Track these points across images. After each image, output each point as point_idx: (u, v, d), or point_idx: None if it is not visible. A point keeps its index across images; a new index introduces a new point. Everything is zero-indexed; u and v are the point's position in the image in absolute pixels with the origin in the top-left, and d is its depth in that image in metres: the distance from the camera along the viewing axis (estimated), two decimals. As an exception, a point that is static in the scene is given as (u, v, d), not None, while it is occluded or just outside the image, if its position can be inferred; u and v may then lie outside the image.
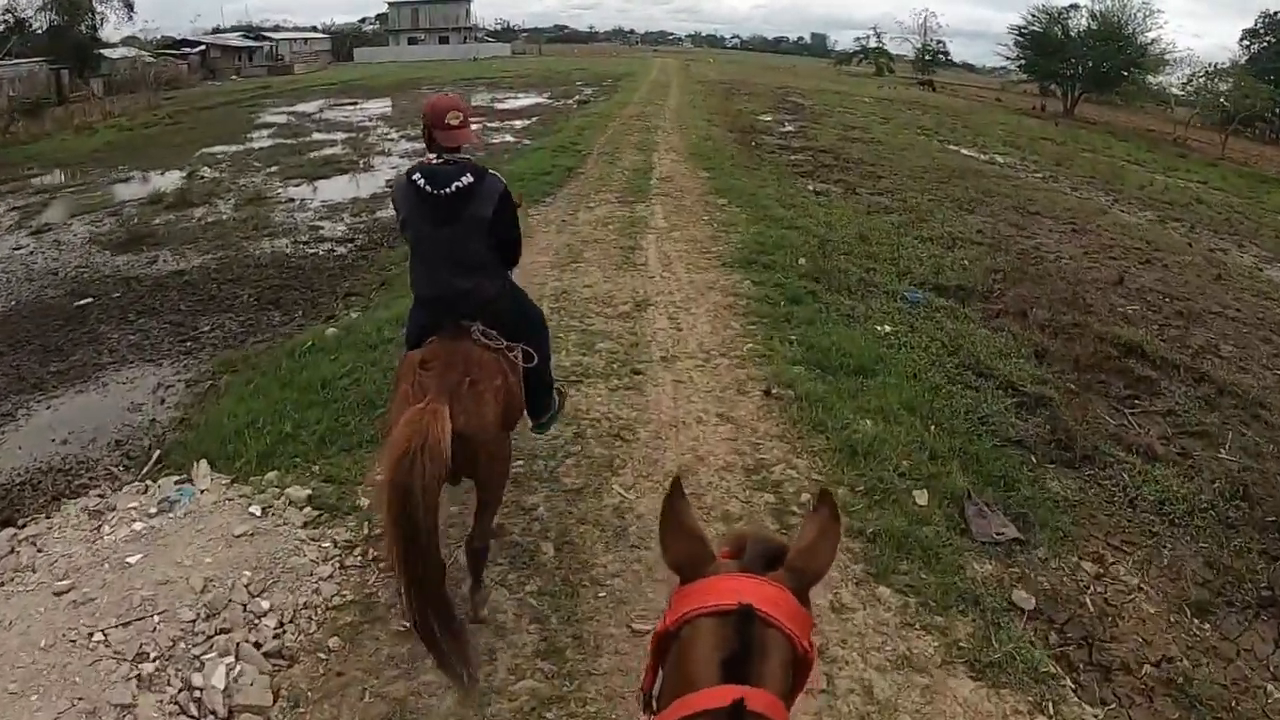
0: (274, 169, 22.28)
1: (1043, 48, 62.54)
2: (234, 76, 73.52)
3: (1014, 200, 19.66)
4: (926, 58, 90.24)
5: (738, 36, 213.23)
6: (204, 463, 6.62)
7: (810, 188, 18.98)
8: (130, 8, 69.31)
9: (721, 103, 40.06)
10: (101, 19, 66.64)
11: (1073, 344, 10.08)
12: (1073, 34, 61.95)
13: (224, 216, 16.83)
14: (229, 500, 6.10)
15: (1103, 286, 13.02)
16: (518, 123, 31.38)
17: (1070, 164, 29.43)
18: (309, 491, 6.11)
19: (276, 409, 7.39)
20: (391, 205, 5.17)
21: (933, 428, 7.33)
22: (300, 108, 40.44)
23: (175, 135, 31.53)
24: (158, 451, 7.27)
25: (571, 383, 7.64)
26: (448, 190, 4.57)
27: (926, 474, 6.54)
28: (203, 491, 6.23)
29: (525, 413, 5.25)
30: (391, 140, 27.34)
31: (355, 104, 41.38)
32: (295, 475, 6.38)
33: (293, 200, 18.18)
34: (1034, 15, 63.64)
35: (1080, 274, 13.60)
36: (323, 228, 15.69)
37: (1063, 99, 61.92)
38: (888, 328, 9.82)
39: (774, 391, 7.69)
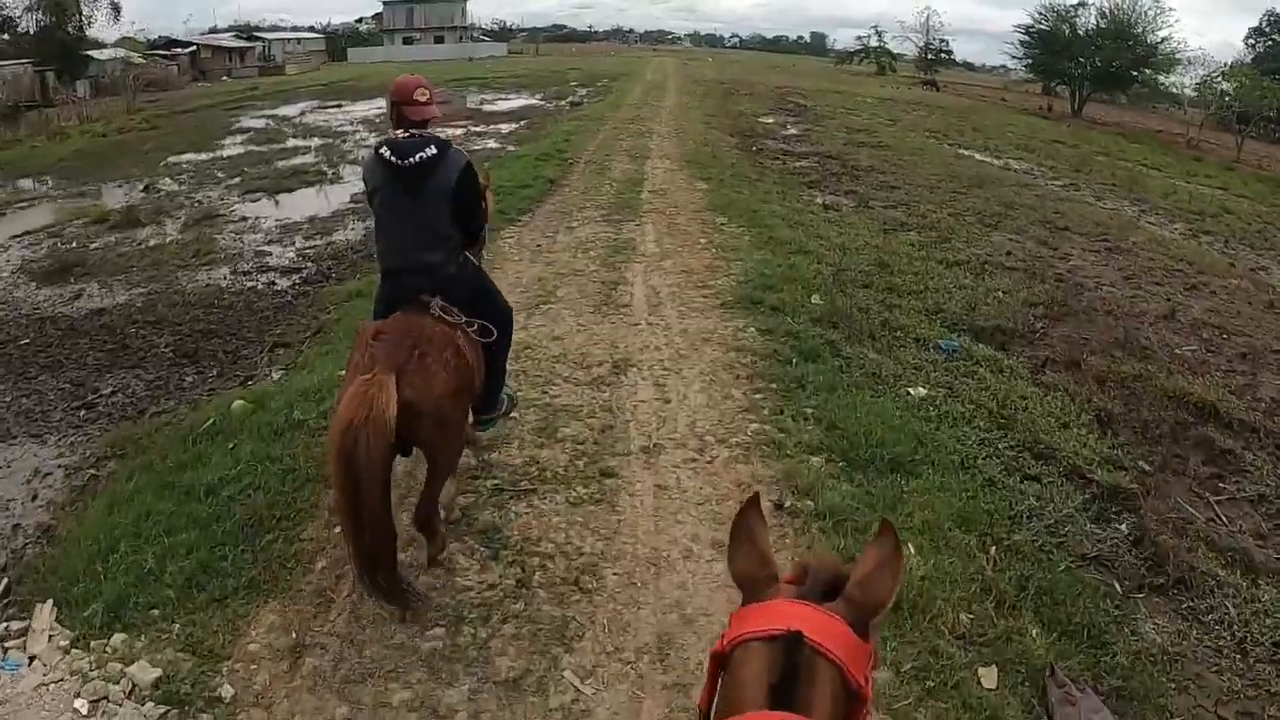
0: (236, 180, 20.62)
1: (1050, 46, 60.55)
2: (224, 78, 71.85)
3: (1039, 213, 17.87)
4: (929, 57, 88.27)
5: (737, 35, 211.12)
6: (49, 606, 4.92)
7: (819, 200, 17.26)
8: (117, 9, 67.92)
9: (720, 104, 38.28)
10: (89, 20, 65.14)
11: (1138, 405, 8.31)
12: (1081, 32, 59.90)
13: (167, 240, 15.23)
14: (57, 681, 4.37)
15: (1154, 321, 11.28)
16: (504, 126, 29.64)
17: (1089, 170, 27.53)
18: (158, 673, 4.33)
19: (145, 527, 5.60)
20: (361, 180, 5.39)
21: (993, 550, 5.55)
22: (283, 111, 38.85)
23: (148, 142, 30.12)
24: (6, 579, 5.63)
25: (522, 492, 5.91)
26: (412, 161, 4.69)
27: (992, 635, 4.76)
28: (31, 660, 4.51)
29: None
30: (368, 147, 25.47)
31: (340, 106, 39.78)
32: (147, 641, 4.59)
33: (245, 219, 16.48)
34: (1041, 13, 61.67)
35: (1127, 306, 11.83)
36: (270, 254, 14.02)
37: (1071, 99, 59.94)
38: (923, 390, 8.07)
39: (787, 504, 5.88)
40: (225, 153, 26.05)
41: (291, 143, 27.34)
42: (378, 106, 37.49)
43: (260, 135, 29.53)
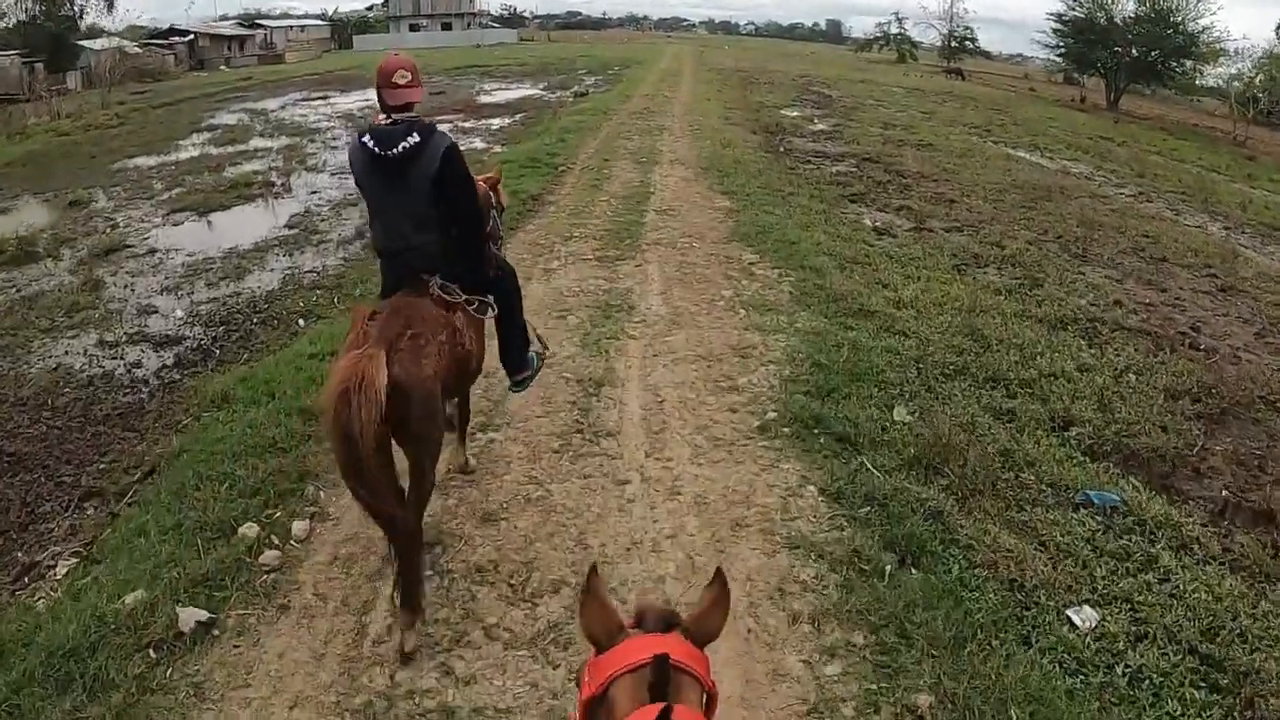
0: (173, 193, 16.96)
1: (1084, 35, 56.26)
2: (222, 67, 68.16)
3: (1126, 237, 14.12)
4: (953, 45, 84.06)
5: (752, 23, 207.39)
6: None
7: (867, 221, 13.55)
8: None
9: (739, 94, 34.47)
10: (81, 10, 62.33)
11: None
12: (1117, 20, 55.56)
13: (50, 284, 11.63)
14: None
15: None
16: (495, 121, 25.88)
17: (1151, 174, 23.50)
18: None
19: None
20: (348, 164, 5.05)
21: None
22: (265, 104, 35.22)
23: (110, 141, 26.44)
24: None
25: None
26: (395, 151, 4.55)
27: None
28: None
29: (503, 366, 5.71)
30: (337, 148, 21.96)
31: (326, 98, 36.13)
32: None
33: (153, 253, 12.78)
34: (1076, 0, 57.44)
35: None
36: (156, 310, 10.35)
37: (1106, 91, 55.67)
38: (1092, 615, 4.61)
39: None
40: (180, 155, 22.45)
41: (255, 143, 23.71)
42: (365, 99, 34.10)
43: (226, 134, 25.90)
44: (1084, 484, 5.88)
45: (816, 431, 6.24)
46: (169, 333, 9.57)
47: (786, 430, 6.27)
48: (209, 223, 14.80)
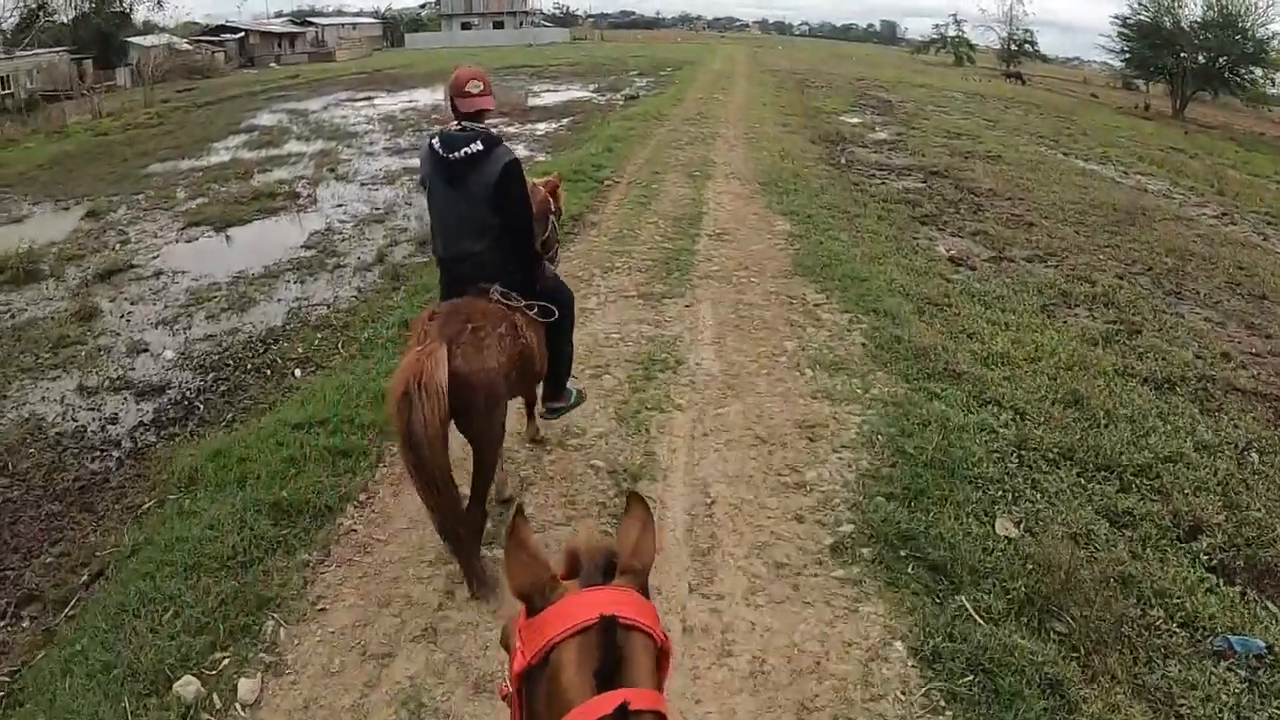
0: (195, 203, 16.03)
1: (1150, 40, 53.91)
2: (272, 64, 67.84)
3: (1220, 268, 12.56)
4: (1013, 48, 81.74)
5: (806, 23, 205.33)
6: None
7: (941, 249, 12.19)
8: None
9: (796, 98, 33.00)
10: (130, 6, 62.28)
11: None
12: (1183, 24, 53.10)
13: (45, 310, 10.74)
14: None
15: None
16: (541, 126, 24.69)
17: (1232, 192, 21.65)
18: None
19: None
20: (420, 165, 5.17)
21: None
22: (307, 104, 34.57)
23: (146, 142, 25.89)
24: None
25: None
26: (457, 155, 4.64)
27: None
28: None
29: (540, 392, 5.57)
30: (373, 154, 20.93)
31: (370, 100, 35.22)
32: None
33: (159, 275, 11.77)
34: (1141, 3, 55.01)
35: None
36: (146, 348, 9.30)
37: (1171, 98, 53.24)
38: None
39: None
40: (211, 159, 21.58)
41: (289, 147, 22.72)
42: (409, 100, 33.30)
43: (262, 136, 25.03)
44: (1220, 620, 4.57)
45: (904, 555, 4.90)
46: (154, 379, 8.48)
47: (866, 552, 4.93)
48: (226, 238, 13.87)
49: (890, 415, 6.58)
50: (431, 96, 34.59)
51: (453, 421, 4.29)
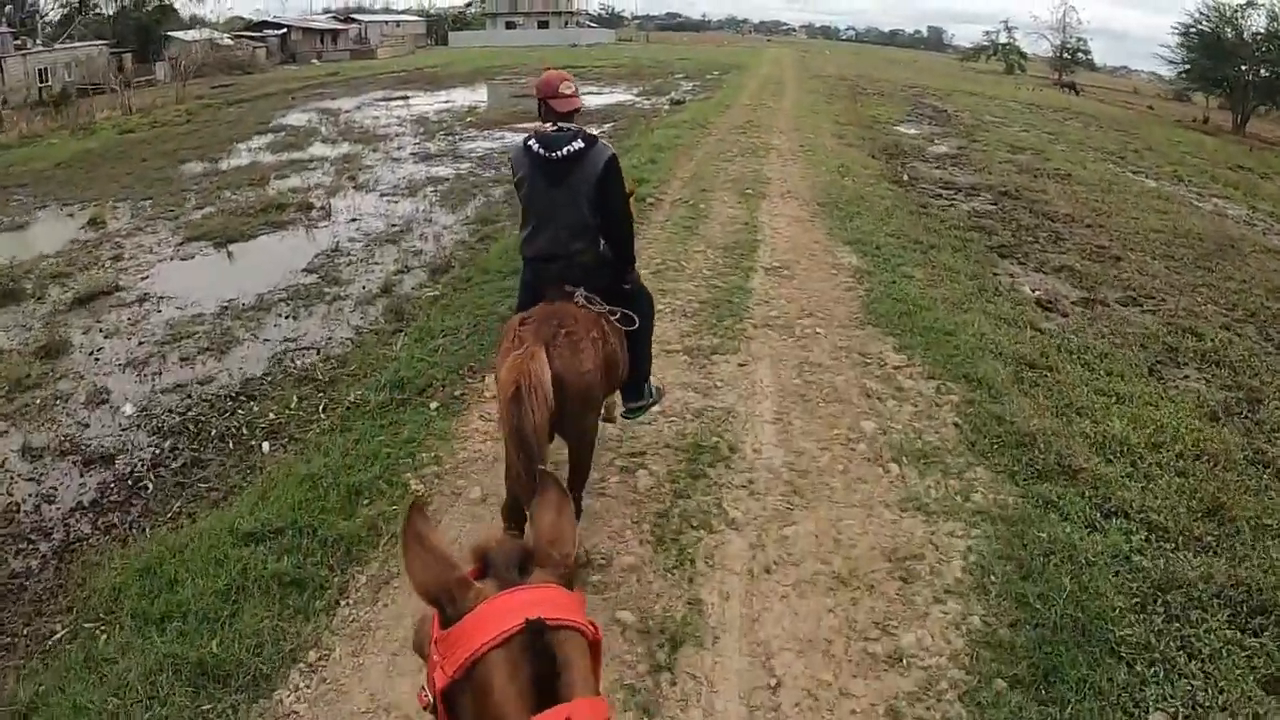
0: (202, 213, 14.75)
1: (1211, 51, 51.38)
2: (314, 60, 67.07)
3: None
4: (1066, 57, 79.44)
5: (852, 28, 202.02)
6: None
7: (1027, 289, 10.62)
8: None
9: (848, 106, 31.35)
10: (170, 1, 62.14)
11: None
12: (1245, 36, 50.72)
13: (13, 340, 9.47)
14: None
15: None
16: (581, 134, 23.35)
17: None
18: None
19: None
20: (510, 167, 5.23)
21: None
22: (339, 103, 33.37)
23: (171, 141, 24.77)
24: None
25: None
26: (559, 154, 4.68)
27: None
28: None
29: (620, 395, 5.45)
30: (399, 159, 19.54)
31: (406, 99, 34.02)
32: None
33: (143, 301, 10.41)
34: (1201, 14, 52.53)
35: None
36: (107, 398, 7.88)
37: (1233, 112, 50.83)
38: None
39: None
40: (232, 162, 20.36)
41: (313, 150, 21.39)
42: (445, 101, 32.06)
43: (287, 138, 23.77)
44: None
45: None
46: (106, 443, 7.04)
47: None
48: (227, 254, 12.58)
49: (1002, 539, 5.03)
50: (469, 96, 33.41)
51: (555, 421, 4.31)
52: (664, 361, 7.40)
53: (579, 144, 4.70)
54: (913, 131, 26.00)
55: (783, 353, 7.76)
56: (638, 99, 32.93)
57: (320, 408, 7.10)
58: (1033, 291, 10.69)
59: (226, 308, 9.93)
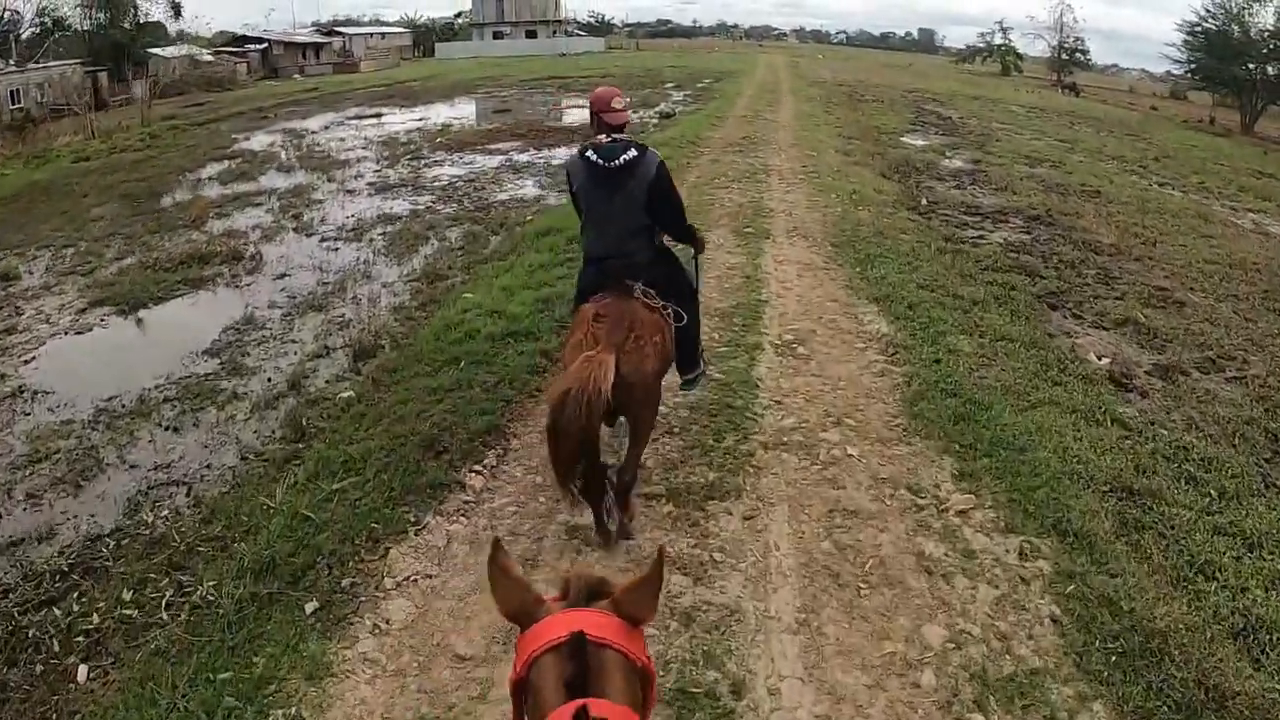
0: (117, 267, 12.55)
1: (1218, 50, 49.11)
2: (296, 75, 64.92)
3: None
4: (1064, 57, 77.37)
5: (844, 32, 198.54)
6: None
7: (1092, 355, 8.58)
8: (177, 7, 64.42)
9: (849, 115, 29.20)
10: (146, 16, 60.11)
11: None
12: (1253, 33, 48.55)
13: None
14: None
15: None
16: (559, 154, 20.80)
17: None
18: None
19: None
20: (566, 177, 5.57)
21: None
22: (309, 122, 31.22)
23: (119, 171, 22.25)
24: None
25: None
26: (616, 163, 5.07)
27: None
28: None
29: (675, 367, 5.66)
30: (353, 191, 17.29)
31: (379, 117, 31.85)
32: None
33: (18, 395, 8.32)
34: (1207, 11, 50.38)
35: None
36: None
37: (1241, 113, 48.65)
38: None
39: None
40: (176, 197, 18.04)
41: (264, 181, 18.98)
42: (419, 119, 29.98)
43: (242, 165, 21.39)
44: None
45: None
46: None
47: None
48: (136, 320, 10.40)
49: None
50: (446, 113, 31.33)
51: (618, 410, 4.81)
52: (643, 515, 5.28)
53: (632, 153, 5.09)
54: (920, 143, 23.93)
55: (804, 491, 5.59)
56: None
57: (162, 603, 4.87)
58: (1099, 359, 8.63)
59: (102, 412, 7.72)
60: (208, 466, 6.69)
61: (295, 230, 14.06)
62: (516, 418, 6.62)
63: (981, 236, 13.35)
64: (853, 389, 7.09)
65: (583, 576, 1.83)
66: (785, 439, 6.23)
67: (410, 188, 17.27)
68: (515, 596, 1.78)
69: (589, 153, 5.15)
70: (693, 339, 5.76)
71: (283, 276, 11.51)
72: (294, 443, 6.66)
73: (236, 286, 11.29)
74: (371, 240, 13.15)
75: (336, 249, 12.81)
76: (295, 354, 8.73)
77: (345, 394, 7.33)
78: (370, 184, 17.81)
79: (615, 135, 5.23)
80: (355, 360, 8.22)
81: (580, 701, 1.51)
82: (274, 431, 7.06)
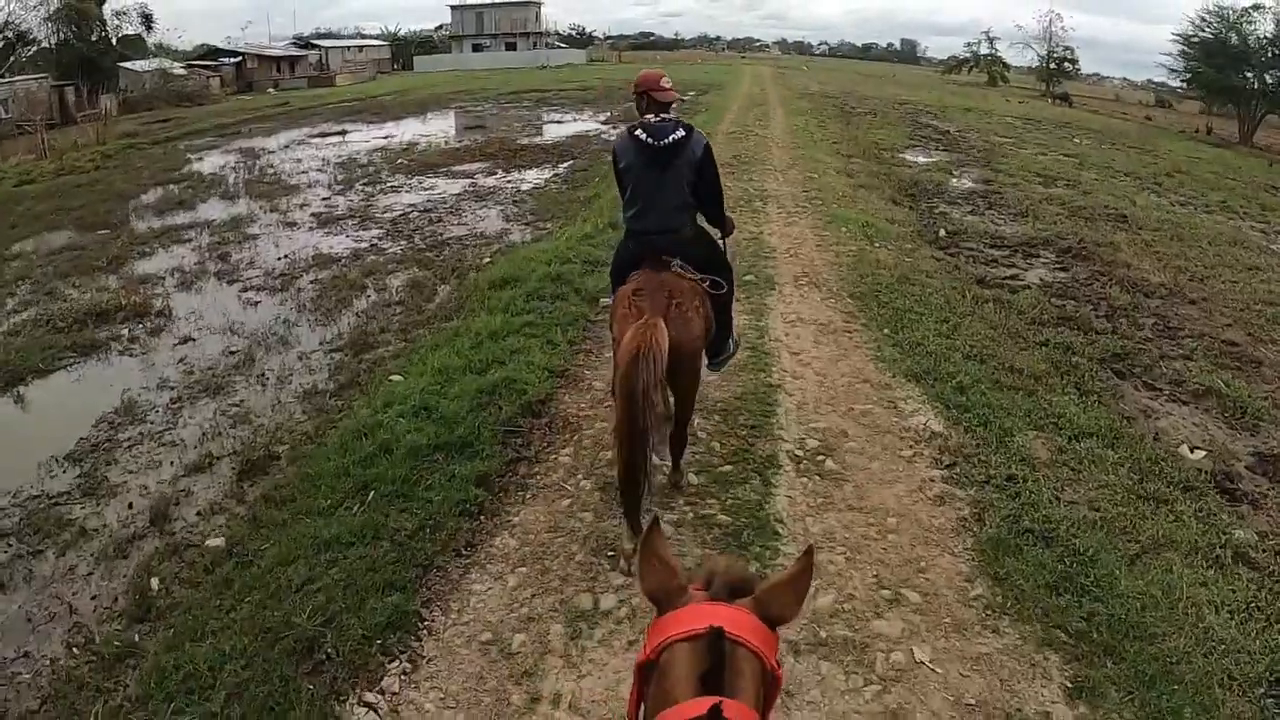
0: (14, 321, 10.56)
1: (1216, 58, 47.34)
2: (270, 89, 62.81)
3: None
4: (1053, 67, 75.70)
5: (825, 43, 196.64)
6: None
7: (1186, 450, 6.77)
8: (148, 20, 62.69)
9: (844, 129, 27.43)
10: (117, 30, 58.23)
11: None
12: (1251, 43, 46.91)
13: None
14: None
15: None
16: (530, 177, 18.92)
17: None
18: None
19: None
20: (611, 156, 5.55)
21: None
22: (269, 141, 29.20)
23: (59, 197, 20.03)
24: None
25: None
26: (665, 141, 5.14)
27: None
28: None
29: (707, 350, 5.58)
30: (293, 224, 15.23)
31: (344, 133, 30.02)
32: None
33: None
34: (1204, 19, 48.61)
35: None
36: None
37: (1240, 123, 46.95)
38: None
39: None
40: (99, 231, 15.89)
41: (204, 209, 16.81)
42: (385, 136, 28.23)
43: (187, 190, 19.24)
44: None
45: None
46: None
47: None
48: (8, 400, 8.30)
49: None
50: (415, 129, 29.43)
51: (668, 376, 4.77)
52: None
53: (680, 133, 5.17)
54: (923, 160, 22.22)
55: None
56: (604, 128, 28.75)
57: None
58: (1192, 450, 6.82)
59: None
60: (23, 656, 4.67)
61: (218, 275, 11.98)
62: (436, 597, 4.60)
63: (1015, 276, 11.54)
64: (908, 531, 5.13)
65: (730, 570, 1.76)
66: (822, 632, 4.27)
67: (358, 219, 15.20)
68: (661, 579, 1.73)
69: (638, 131, 5.21)
70: (726, 320, 5.76)
71: (186, 341, 9.45)
72: (137, 622, 4.68)
73: (131, 354, 9.24)
74: (299, 290, 11.09)
75: (257, 302, 10.75)
76: (171, 464, 6.67)
77: (215, 542, 5.29)
78: (315, 215, 15.73)
79: (663, 115, 5.31)
80: (240, 479, 6.19)
81: (716, 699, 1.45)
82: (115, 601, 5.02)
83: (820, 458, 5.91)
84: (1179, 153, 32.60)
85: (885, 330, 8.33)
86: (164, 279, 11.96)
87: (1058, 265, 12.37)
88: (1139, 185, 21.74)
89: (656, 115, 5.30)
